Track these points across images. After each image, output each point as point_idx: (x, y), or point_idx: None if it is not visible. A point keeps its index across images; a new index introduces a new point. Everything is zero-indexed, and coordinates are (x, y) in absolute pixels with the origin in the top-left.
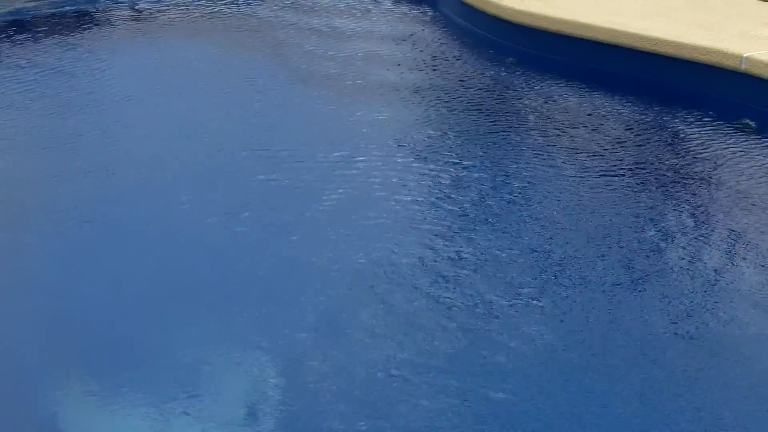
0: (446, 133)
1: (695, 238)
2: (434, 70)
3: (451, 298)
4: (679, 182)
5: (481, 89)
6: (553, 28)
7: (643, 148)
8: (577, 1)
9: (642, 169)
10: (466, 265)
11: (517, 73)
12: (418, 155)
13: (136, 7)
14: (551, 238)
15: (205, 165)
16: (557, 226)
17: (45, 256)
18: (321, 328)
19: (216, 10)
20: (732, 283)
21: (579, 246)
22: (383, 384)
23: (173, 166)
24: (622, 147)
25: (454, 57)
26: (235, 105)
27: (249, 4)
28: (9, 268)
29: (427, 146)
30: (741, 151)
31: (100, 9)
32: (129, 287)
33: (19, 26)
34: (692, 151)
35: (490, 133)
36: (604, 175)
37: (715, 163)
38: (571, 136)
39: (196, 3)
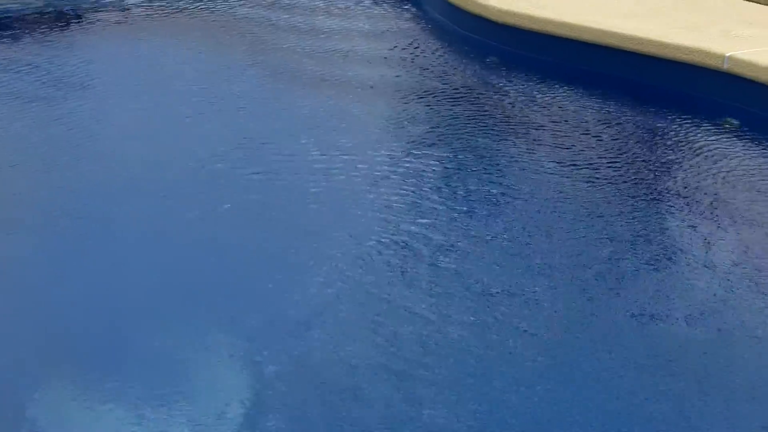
0: (427, 131)
1: (675, 236)
2: (415, 68)
3: (425, 290)
4: (661, 181)
5: (462, 88)
6: (536, 27)
7: (625, 146)
8: (561, 1)
9: (624, 167)
10: (442, 256)
11: (500, 72)
12: (397, 152)
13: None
14: (529, 235)
15: (184, 162)
16: (533, 221)
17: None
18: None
19: (196, 8)
20: (707, 279)
21: (555, 241)
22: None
23: (149, 162)
24: (604, 145)
25: (436, 56)
26: (213, 101)
27: (229, 3)
28: None
29: (407, 144)
30: (724, 150)
31: (79, 8)
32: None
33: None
34: (675, 149)
35: (470, 131)
36: (586, 173)
37: (698, 161)
38: (552, 134)
39: (176, 2)
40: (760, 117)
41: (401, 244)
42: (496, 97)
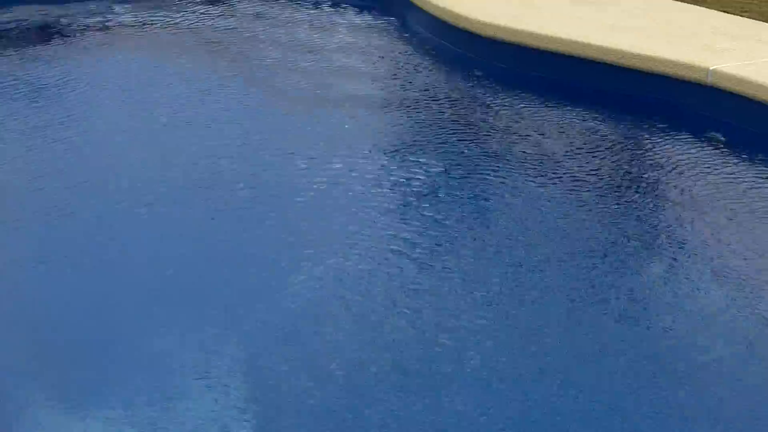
0: (410, 144)
1: (658, 250)
2: (399, 82)
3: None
4: (645, 194)
5: (446, 102)
6: (520, 40)
7: (609, 160)
8: (544, 15)
9: (608, 181)
10: (427, 268)
11: (484, 86)
12: (381, 166)
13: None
14: (510, 246)
15: (164, 175)
16: (515, 233)
17: None
18: None
19: (178, 23)
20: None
21: (537, 252)
22: None
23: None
24: (588, 159)
25: (420, 70)
26: (195, 116)
27: (212, 17)
28: None
29: (391, 157)
30: (708, 164)
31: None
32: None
33: None
34: (659, 163)
35: (454, 143)
36: (569, 186)
37: (682, 175)
38: (535, 147)
39: (159, 17)
40: (743, 131)
41: (382, 256)
42: (479, 110)
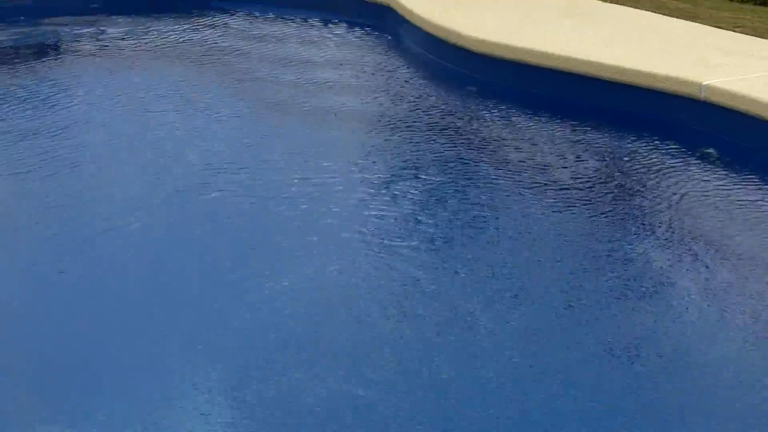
0: (405, 160)
1: (651, 266)
2: (393, 98)
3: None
4: (638, 210)
5: (440, 117)
6: (514, 57)
7: (602, 174)
8: (538, 31)
9: (601, 195)
10: (414, 281)
11: (478, 101)
12: (376, 181)
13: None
14: (505, 263)
15: (162, 187)
16: (509, 249)
17: None
18: None
19: (170, 40)
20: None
21: (532, 269)
22: None
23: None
24: (581, 174)
25: (414, 85)
26: (190, 130)
27: (200, 33)
28: None
29: (386, 173)
30: (702, 179)
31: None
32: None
33: None
34: (653, 178)
35: (448, 159)
36: (562, 201)
37: (676, 190)
38: (529, 163)
39: (151, 34)
40: (737, 145)
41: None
42: (474, 126)
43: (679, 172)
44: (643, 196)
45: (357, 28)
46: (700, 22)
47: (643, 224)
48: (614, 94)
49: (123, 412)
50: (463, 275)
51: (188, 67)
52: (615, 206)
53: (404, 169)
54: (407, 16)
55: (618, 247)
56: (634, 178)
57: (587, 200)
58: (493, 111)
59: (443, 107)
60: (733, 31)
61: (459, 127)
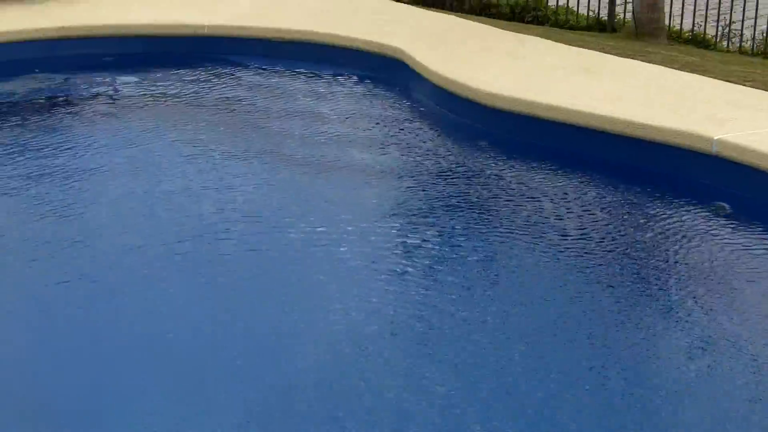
0: (415, 214)
1: (664, 320)
2: (403, 152)
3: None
4: (651, 264)
5: (451, 171)
6: (525, 110)
7: (614, 229)
8: (549, 85)
9: (612, 251)
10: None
11: (489, 155)
12: (385, 235)
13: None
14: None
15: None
16: (518, 302)
17: None
18: None
19: (175, 94)
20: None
21: (541, 321)
22: None
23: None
24: (592, 229)
25: (424, 140)
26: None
27: (213, 88)
28: None
29: (395, 227)
30: (714, 234)
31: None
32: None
33: None
34: (664, 233)
35: (459, 212)
36: (573, 256)
37: (688, 245)
38: (540, 217)
39: (151, 87)
40: (749, 201)
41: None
42: (485, 180)
43: (691, 228)
44: (654, 252)
45: (368, 81)
46: (710, 76)
47: (653, 279)
48: (624, 149)
49: None
50: (477, 338)
51: (198, 123)
52: (624, 262)
53: (411, 222)
54: (419, 70)
55: (628, 296)
56: (644, 233)
57: (595, 255)
58: (503, 165)
59: (453, 159)
60: (744, 84)
61: (466, 181)
